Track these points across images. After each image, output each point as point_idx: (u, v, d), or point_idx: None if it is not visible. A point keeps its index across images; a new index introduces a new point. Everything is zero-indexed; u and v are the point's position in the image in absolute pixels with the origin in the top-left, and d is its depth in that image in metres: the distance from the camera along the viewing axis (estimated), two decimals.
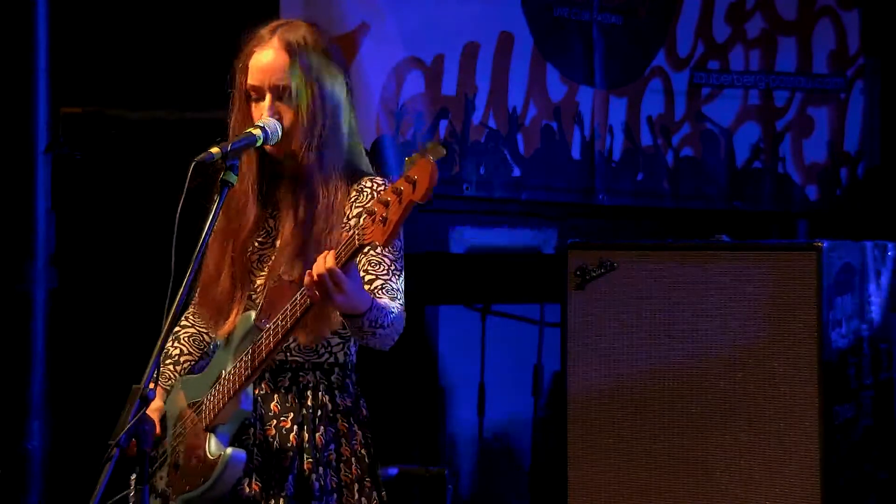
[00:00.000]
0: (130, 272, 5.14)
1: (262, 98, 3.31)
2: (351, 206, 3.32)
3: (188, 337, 3.52)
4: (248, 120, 3.32)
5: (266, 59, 3.32)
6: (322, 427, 3.33)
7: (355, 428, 3.38)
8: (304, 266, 3.15)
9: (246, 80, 3.33)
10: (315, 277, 3.04)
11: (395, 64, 5.18)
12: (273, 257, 3.34)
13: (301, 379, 3.35)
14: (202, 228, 3.12)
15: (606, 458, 4.88)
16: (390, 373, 4.86)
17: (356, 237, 3.02)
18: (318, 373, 3.36)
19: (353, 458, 3.36)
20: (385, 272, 3.28)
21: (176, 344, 3.51)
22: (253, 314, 3.26)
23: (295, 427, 3.32)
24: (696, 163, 6.04)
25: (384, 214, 2.93)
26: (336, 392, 3.37)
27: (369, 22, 5.10)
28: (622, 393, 4.89)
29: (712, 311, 4.80)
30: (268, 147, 3.29)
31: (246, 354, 3.21)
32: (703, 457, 4.79)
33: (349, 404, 3.38)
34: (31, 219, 5.12)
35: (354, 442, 3.37)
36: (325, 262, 3.04)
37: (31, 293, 5.12)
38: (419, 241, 5.47)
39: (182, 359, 3.50)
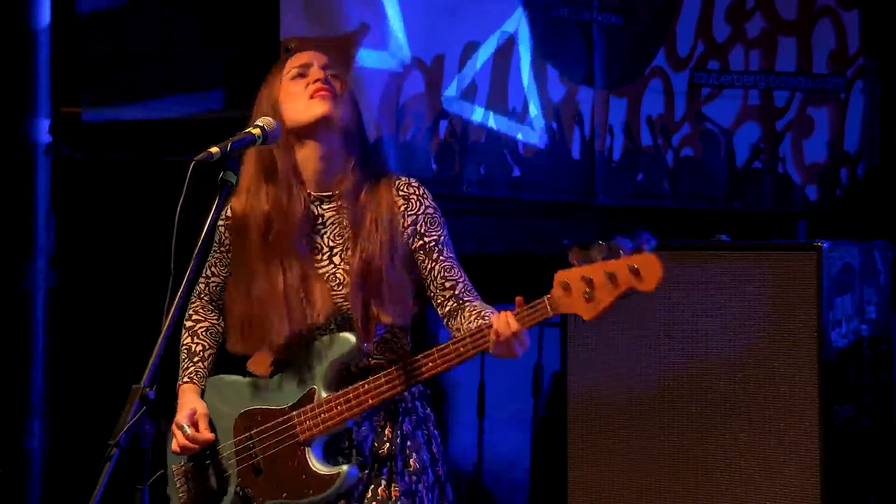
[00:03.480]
0: (130, 272, 5.13)
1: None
2: (404, 216, 3.42)
3: (204, 331, 3.58)
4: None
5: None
6: (407, 418, 3.47)
7: (429, 411, 3.54)
8: (379, 281, 3.34)
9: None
10: (500, 338, 3.20)
11: (395, 64, 5.18)
12: (335, 273, 3.40)
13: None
14: (202, 228, 3.12)
15: (606, 458, 4.88)
16: None
17: (548, 306, 3.18)
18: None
19: (433, 441, 3.52)
20: (458, 273, 3.44)
21: (196, 339, 3.57)
22: (353, 339, 3.36)
23: (388, 422, 3.44)
24: (696, 163, 6.04)
25: (587, 291, 3.12)
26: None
27: (369, 22, 5.10)
28: (622, 393, 4.89)
29: (712, 311, 4.80)
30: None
31: (368, 383, 3.34)
32: (703, 457, 4.79)
33: (419, 390, 3.52)
34: (31, 219, 5.12)
35: (430, 424, 3.53)
36: (508, 324, 3.19)
37: (31, 293, 5.12)
38: None
39: (206, 353, 3.57)
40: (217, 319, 3.60)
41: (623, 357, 4.88)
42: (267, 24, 4.99)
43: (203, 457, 3.50)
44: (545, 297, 3.20)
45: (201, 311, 3.60)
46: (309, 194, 3.43)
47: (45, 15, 5.13)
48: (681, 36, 5.95)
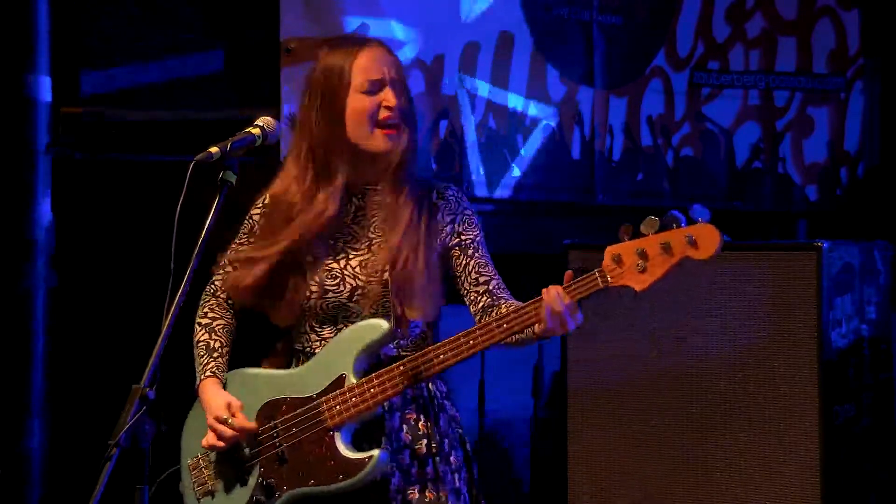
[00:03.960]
0: (130, 272, 5.14)
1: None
2: (443, 214, 3.43)
3: (222, 328, 3.53)
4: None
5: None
6: (441, 413, 3.45)
7: (456, 412, 3.52)
8: (417, 266, 3.32)
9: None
10: (552, 312, 3.19)
11: None
12: (372, 260, 3.38)
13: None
14: (202, 228, 3.12)
15: (606, 458, 4.88)
16: None
17: (599, 279, 3.19)
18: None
19: (466, 441, 3.51)
20: (492, 271, 3.44)
21: (214, 336, 3.51)
22: (385, 324, 3.32)
23: (422, 416, 3.42)
24: (696, 163, 6.04)
25: (640, 262, 3.15)
26: (437, 380, 3.48)
27: (369, 22, 5.10)
28: (622, 393, 4.89)
29: (712, 311, 4.80)
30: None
31: (404, 363, 3.30)
32: (703, 457, 4.79)
33: (445, 389, 3.51)
34: (31, 219, 5.13)
35: (458, 423, 3.51)
36: (559, 296, 3.19)
37: (31, 293, 5.12)
38: None
39: (224, 350, 3.50)
40: (232, 318, 3.54)
41: (623, 357, 4.88)
42: (267, 24, 4.99)
43: (220, 455, 3.44)
44: (595, 270, 3.21)
45: (217, 308, 3.54)
46: (354, 184, 3.41)
47: (45, 14, 5.14)
48: (681, 36, 5.95)
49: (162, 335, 3.00)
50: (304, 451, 3.35)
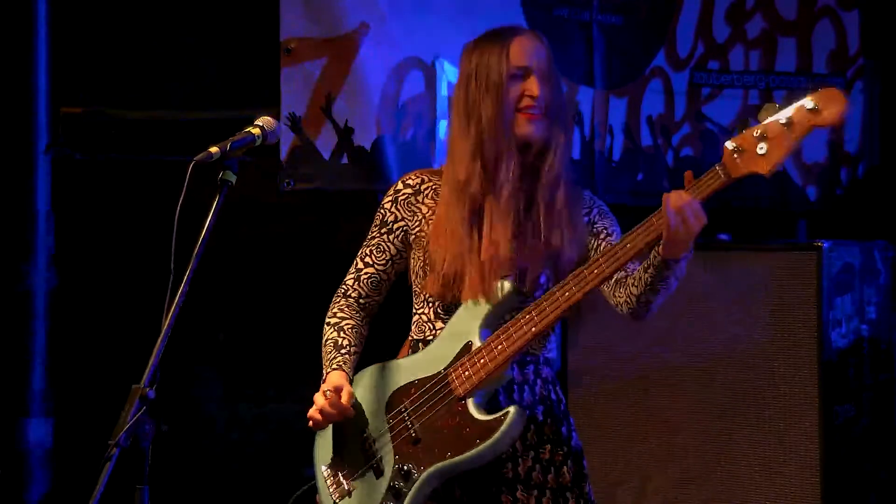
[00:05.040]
0: (130, 272, 5.14)
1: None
2: (582, 207, 3.48)
3: (350, 328, 3.53)
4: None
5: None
6: (564, 420, 3.47)
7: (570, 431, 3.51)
8: (556, 237, 3.35)
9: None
10: (674, 209, 3.15)
11: (395, 64, 5.18)
12: (502, 226, 3.40)
13: (541, 371, 3.47)
14: (202, 228, 3.12)
15: (606, 458, 4.88)
16: None
17: (721, 172, 3.13)
18: (548, 368, 3.49)
19: (582, 454, 3.50)
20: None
21: (343, 335, 3.51)
22: (508, 283, 3.33)
23: (549, 420, 3.43)
24: (697, 163, 6.03)
25: (761, 145, 3.03)
26: (559, 392, 3.51)
27: (369, 22, 5.09)
28: (622, 393, 4.89)
29: (712, 311, 4.80)
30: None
31: (525, 314, 3.28)
32: (703, 456, 4.79)
33: (565, 402, 3.51)
34: (31, 219, 5.13)
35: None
36: (681, 195, 3.15)
37: (31, 293, 5.13)
38: None
39: (352, 349, 3.49)
40: (362, 321, 3.55)
41: (623, 357, 4.88)
42: (267, 24, 4.99)
43: (353, 449, 3.42)
44: (716, 164, 3.14)
45: (347, 309, 3.55)
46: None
47: (45, 14, 5.13)
48: (681, 36, 5.94)
49: (162, 335, 3.00)
50: (438, 427, 3.32)
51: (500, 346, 3.28)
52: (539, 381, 3.45)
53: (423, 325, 3.49)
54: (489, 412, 3.28)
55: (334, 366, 3.45)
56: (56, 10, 5.15)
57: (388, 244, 3.53)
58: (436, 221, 3.47)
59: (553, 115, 3.46)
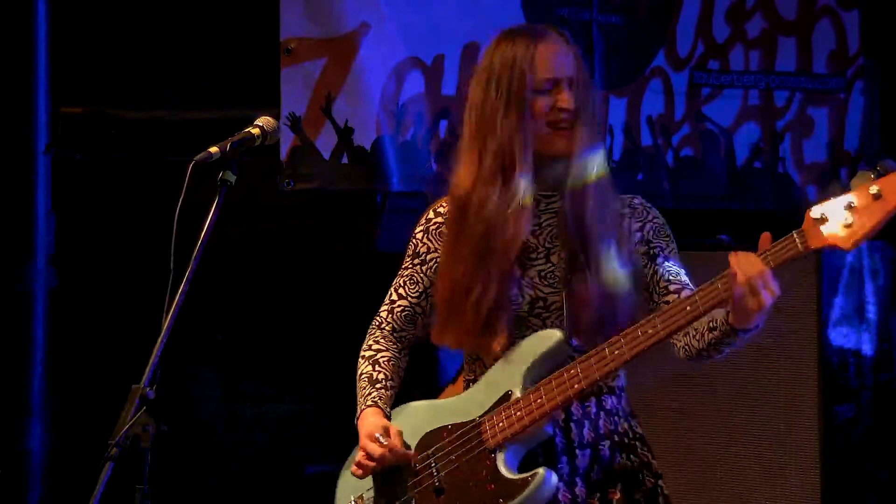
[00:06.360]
0: (130, 272, 5.14)
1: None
2: (630, 222, 3.23)
3: (386, 361, 3.33)
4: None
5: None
6: (631, 455, 3.24)
7: (650, 458, 3.30)
8: (598, 280, 3.07)
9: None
10: (742, 279, 2.87)
11: (395, 64, 5.18)
12: (549, 271, 3.18)
13: (604, 403, 3.23)
14: (202, 228, 3.12)
15: None
16: None
17: (798, 242, 2.88)
18: (613, 397, 3.24)
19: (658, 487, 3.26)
20: (684, 279, 3.20)
21: (377, 368, 3.31)
22: (558, 332, 3.10)
23: (620, 455, 3.21)
24: (696, 163, 6.03)
25: (847, 215, 2.76)
26: (630, 419, 3.27)
27: (369, 22, 5.09)
28: None
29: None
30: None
31: (569, 368, 3.04)
32: (703, 456, 4.79)
33: (640, 432, 3.29)
34: (31, 219, 5.13)
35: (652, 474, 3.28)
36: (751, 262, 2.88)
37: (31, 293, 5.12)
38: None
39: (388, 383, 3.28)
40: (400, 353, 3.34)
41: None
42: (267, 24, 4.99)
43: (379, 489, 3.22)
44: (794, 231, 2.88)
45: (382, 341, 3.34)
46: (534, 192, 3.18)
47: (45, 14, 5.13)
48: (681, 36, 5.94)
49: (162, 335, 3.00)
50: (463, 479, 3.09)
51: (538, 401, 3.04)
52: (602, 415, 3.20)
53: (472, 363, 3.28)
54: (521, 470, 3.06)
55: (369, 402, 3.24)
56: (56, 10, 5.15)
57: (422, 276, 3.33)
58: (443, 258, 3.26)
59: (586, 120, 3.18)
